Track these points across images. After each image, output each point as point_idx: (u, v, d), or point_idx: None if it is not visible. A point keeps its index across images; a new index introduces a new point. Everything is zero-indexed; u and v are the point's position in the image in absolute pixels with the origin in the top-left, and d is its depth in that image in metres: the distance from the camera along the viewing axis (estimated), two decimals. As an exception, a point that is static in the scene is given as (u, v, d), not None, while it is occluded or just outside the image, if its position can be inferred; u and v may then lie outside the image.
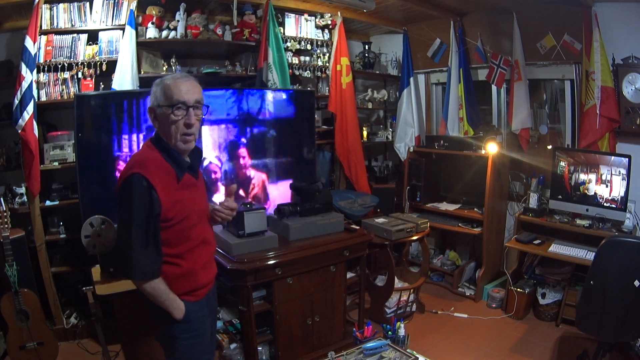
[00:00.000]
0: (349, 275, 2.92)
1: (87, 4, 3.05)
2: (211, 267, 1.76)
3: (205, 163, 2.99)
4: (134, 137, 2.78)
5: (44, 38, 2.95)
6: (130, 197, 1.47)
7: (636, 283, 2.07)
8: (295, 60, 3.93)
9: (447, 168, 4.19)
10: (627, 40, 3.14)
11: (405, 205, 4.18)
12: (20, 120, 2.72)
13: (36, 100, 2.82)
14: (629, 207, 3.07)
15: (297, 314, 2.61)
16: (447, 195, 4.21)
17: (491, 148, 3.59)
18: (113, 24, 3.10)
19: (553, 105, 3.99)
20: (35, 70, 2.82)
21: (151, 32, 3.21)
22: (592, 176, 3.22)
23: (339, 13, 4.00)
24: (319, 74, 4.14)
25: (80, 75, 3.03)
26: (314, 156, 3.62)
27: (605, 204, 3.14)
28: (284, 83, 3.58)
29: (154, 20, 3.21)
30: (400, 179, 4.57)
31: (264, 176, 3.29)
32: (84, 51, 3.05)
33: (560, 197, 3.38)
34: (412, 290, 3.42)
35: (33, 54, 2.77)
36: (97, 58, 3.07)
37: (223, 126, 3.10)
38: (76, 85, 3.04)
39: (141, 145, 1.87)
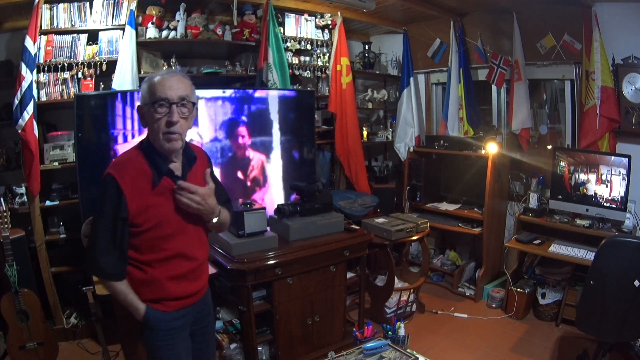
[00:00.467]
0: (349, 275, 2.92)
1: (87, 4, 3.05)
2: (191, 281, 1.59)
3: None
4: (134, 136, 2.78)
5: (44, 38, 2.94)
6: (100, 197, 1.46)
7: (636, 283, 2.07)
8: (295, 60, 3.93)
9: (447, 168, 4.19)
10: (627, 40, 3.13)
11: (405, 205, 4.18)
12: (20, 120, 2.72)
13: (36, 100, 2.82)
14: (629, 207, 3.07)
15: (297, 314, 2.61)
16: (447, 195, 4.21)
17: (491, 148, 3.59)
18: (113, 24, 3.10)
19: (553, 105, 3.99)
20: (35, 70, 2.82)
21: (151, 32, 3.21)
22: (592, 176, 3.22)
23: (339, 13, 4.00)
24: (319, 74, 4.14)
25: (80, 75, 3.03)
26: (314, 156, 3.62)
27: (605, 204, 3.14)
28: (284, 83, 3.58)
29: (154, 20, 3.21)
30: (400, 179, 4.57)
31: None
32: (84, 51, 3.05)
33: (560, 197, 3.38)
34: (412, 290, 3.42)
35: (33, 54, 2.77)
36: (97, 58, 3.07)
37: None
38: (76, 85, 3.04)
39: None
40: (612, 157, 3.14)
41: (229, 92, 3.11)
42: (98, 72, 3.07)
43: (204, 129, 3.00)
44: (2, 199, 2.64)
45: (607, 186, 3.14)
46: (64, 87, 3.02)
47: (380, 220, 3.44)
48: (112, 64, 3.04)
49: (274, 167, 3.35)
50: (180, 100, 1.46)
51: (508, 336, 3.16)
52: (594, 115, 3.21)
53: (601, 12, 3.15)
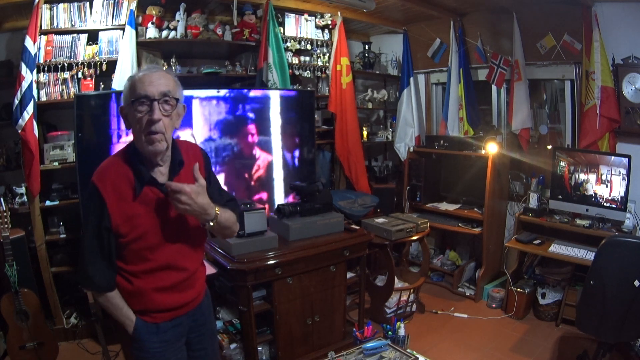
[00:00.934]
0: (349, 275, 2.92)
1: (87, 4, 3.05)
2: (181, 292, 1.51)
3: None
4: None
5: (44, 38, 2.94)
6: (86, 205, 1.40)
7: (636, 283, 2.07)
8: (295, 60, 3.93)
9: (447, 168, 4.19)
10: (627, 40, 3.13)
11: (405, 205, 4.18)
12: (20, 120, 2.72)
13: (36, 100, 2.82)
14: (629, 207, 3.07)
15: (297, 314, 2.61)
16: (447, 195, 4.21)
17: (491, 148, 3.59)
18: (113, 24, 3.10)
19: (553, 105, 3.99)
20: (35, 70, 2.82)
21: (151, 32, 3.21)
22: (592, 176, 3.22)
23: (339, 13, 4.00)
24: (319, 74, 4.14)
25: (80, 75, 3.03)
26: (314, 156, 3.62)
27: (605, 204, 3.14)
28: (284, 83, 3.58)
29: (154, 20, 3.21)
30: (400, 179, 4.56)
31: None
32: (84, 51, 3.05)
33: (560, 197, 3.38)
34: (412, 290, 3.42)
35: (33, 54, 2.77)
36: (97, 58, 3.07)
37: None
38: (76, 85, 3.04)
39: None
40: (612, 157, 3.14)
41: (223, 92, 3.11)
42: (98, 72, 3.07)
43: (198, 129, 3.00)
44: (2, 199, 2.64)
45: (607, 186, 3.14)
46: (64, 87, 3.02)
47: (380, 220, 3.44)
48: (112, 64, 3.04)
49: (274, 167, 3.35)
50: (162, 97, 1.34)
51: (508, 336, 3.16)
52: (594, 115, 3.21)
53: (601, 12, 3.15)
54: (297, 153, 3.47)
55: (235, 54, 3.91)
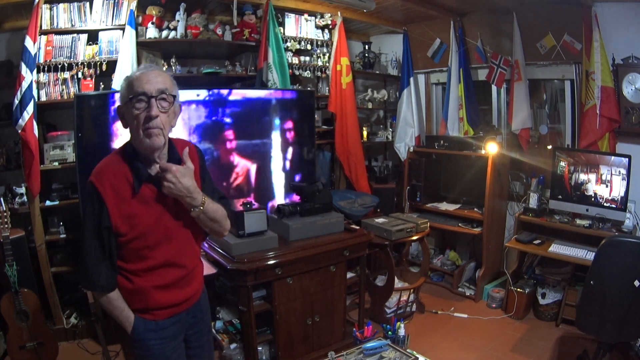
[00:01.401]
0: (349, 275, 2.92)
1: (87, 4, 3.05)
2: (181, 289, 1.53)
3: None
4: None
5: (44, 38, 2.94)
6: (86, 206, 1.40)
7: (636, 283, 2.07)
8: (295, 60, 3.93)
9: (447, 168, 4.19)
10: (627, 40, 3.13)
11: (405, 205, 4.18)
12: (20, 120, 2.72)
13: (36, 100, 2.82)
14: (629, 207, 3.07)
15: (297, 314, 2.61)
16: (447, 195, 4.21)
17: (491, 148, 3.59)
18: (113, 24, 3.10)
19: (553, 105, 3.99)
20: (35, 70, 2.82)
21: (151, 32, 3.21)
22: (592, 176, 3.22)
23: (339, 13, 4.00)
24: (319, 74, 4.14)
25: (80, 75, 3.03)
26: (314, 156, 3.62)
27: (605, 204, 3.14)
28: (284, 83, 3.58)
29: (154, 20, 3.21)
30: (400, 179, 4.56)
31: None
32: (84, 51, 3.05)
33: (560, 197, 3.38)
34: (412, 290, 3.42)
35: (33, 54, 2.77)
36: (97, 58, 3.07)
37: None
38: (76, 85, 3.04)
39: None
40: (612, 157, 3.14)
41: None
42: (98, 72, 3.07)
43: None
44: (2, 199, 2.64)
45: (607, 186, 3.14)
46: (64, 87, 3.02)
47: (380, 220, 3.44)
48: (112, 64, 3.04)
49: (274, 167, 3.35)
50: (159, 94, 1.37)
51: (508, 336, 3.16)
52: (594, 115, 3.21)
53: (601, 12, 3.15)
54: (296, 153, 3.47)
55: (235, 54, 3.91)
